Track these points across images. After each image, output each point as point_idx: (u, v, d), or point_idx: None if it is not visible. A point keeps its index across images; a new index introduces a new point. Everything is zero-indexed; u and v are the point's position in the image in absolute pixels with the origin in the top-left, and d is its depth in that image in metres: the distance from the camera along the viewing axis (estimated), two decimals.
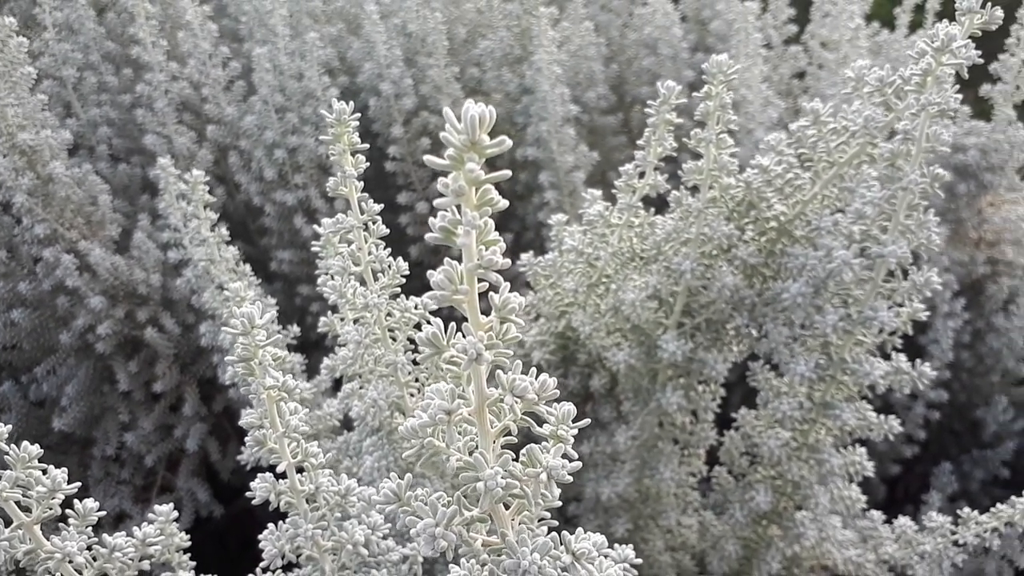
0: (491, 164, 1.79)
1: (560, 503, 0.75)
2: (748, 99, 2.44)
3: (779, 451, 1.49)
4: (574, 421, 0.71)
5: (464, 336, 0.63)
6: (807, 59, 2.89)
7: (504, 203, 0.58)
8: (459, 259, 0.60)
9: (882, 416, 1.48)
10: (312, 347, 2.60)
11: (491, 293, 0.63)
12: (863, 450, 1.55)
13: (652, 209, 1.53)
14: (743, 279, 1.44)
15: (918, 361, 1.40)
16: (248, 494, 0.98)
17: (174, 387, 2.41)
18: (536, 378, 0.67)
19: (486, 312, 0.64)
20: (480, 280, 0.61)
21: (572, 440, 0.72)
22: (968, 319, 2.67)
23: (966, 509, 1.54)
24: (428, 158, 0.55)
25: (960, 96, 1.20)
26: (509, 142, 0.55)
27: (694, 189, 1.40)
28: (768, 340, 1.44)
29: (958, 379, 2.75)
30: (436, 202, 0.56)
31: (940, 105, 1.12)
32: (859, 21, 2.66)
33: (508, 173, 0.57)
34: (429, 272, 0.59)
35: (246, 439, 0.94)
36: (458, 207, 0.57)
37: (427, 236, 0.59)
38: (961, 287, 2.67)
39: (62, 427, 2.26)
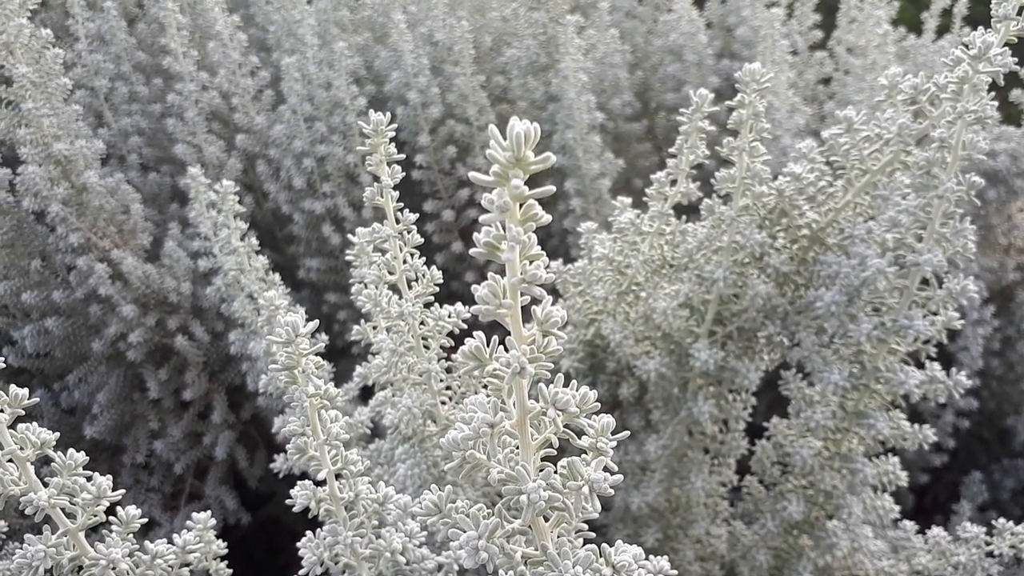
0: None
1: (597, 513, 0.75)
2: (775, 106, 2.43)
3: (812, 460, 1.48)
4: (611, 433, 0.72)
5: (506, 349, 0.64)
6: (833, 65, 2.87)
7: (547, 218, 0.58)
8: (502, 272, 0.61)
9: (915, 425, 1.47)
10: (339, 355, 2.62)
11: (533, 307, 0.63)
12: (896, 459, 1.54)
13: (684, 217, 1.53)
14: (775, 287, 1.44)
15: (953, 370, 1.39)
16: (288, 501, 0.99)
17: (203, 395, 2.43)
18: (577, 390, 0.68)
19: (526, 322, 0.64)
20: (522, 294, 0.62)
21: (612, 452, 0.72)
22: (998, 326, 2.64)
23: (1001, 520, 1.53)
24: (474, 175, 0.56)
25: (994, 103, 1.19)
26: (553, 158, 0.55)
27: (726, 197, 1.39)
28: (800, 349, 1.44)
29: (988, 387, 2.72)
30: (482, 218, 0.56)
31: (977, 113, 1.11)
32: (887, 27, 2.64)
33: (552, 189, 0.57)
34: (473, 287, 0.59)
35: (287, 447, 0.95)
36: (502, 223, 0.58)
37: (472, 251, 0.59)
38: (991, 294, 2.64)
39: (93, 434, 2.29)
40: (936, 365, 1.40)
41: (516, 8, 2.58)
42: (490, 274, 0.61)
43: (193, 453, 2.43)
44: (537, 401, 0.67)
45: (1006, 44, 1.13)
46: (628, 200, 1.57)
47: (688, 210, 1.60)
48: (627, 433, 0.75)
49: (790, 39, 2.86)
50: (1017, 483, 2.67)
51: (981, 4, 1.61)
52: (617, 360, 1.72)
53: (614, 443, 0.72)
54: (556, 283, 1.67)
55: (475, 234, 0.58)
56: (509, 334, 0.64)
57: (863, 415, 1.41)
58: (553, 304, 1.68)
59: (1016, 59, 1.13)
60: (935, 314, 1.35)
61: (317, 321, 0.86)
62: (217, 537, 1.17)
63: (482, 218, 0.57)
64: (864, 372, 1.38)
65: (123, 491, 0.95)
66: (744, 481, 1.72)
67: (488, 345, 0.65)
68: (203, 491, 2.46)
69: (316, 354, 1.74)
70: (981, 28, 1.12)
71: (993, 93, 1.17)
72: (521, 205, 0.57)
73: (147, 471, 2.45)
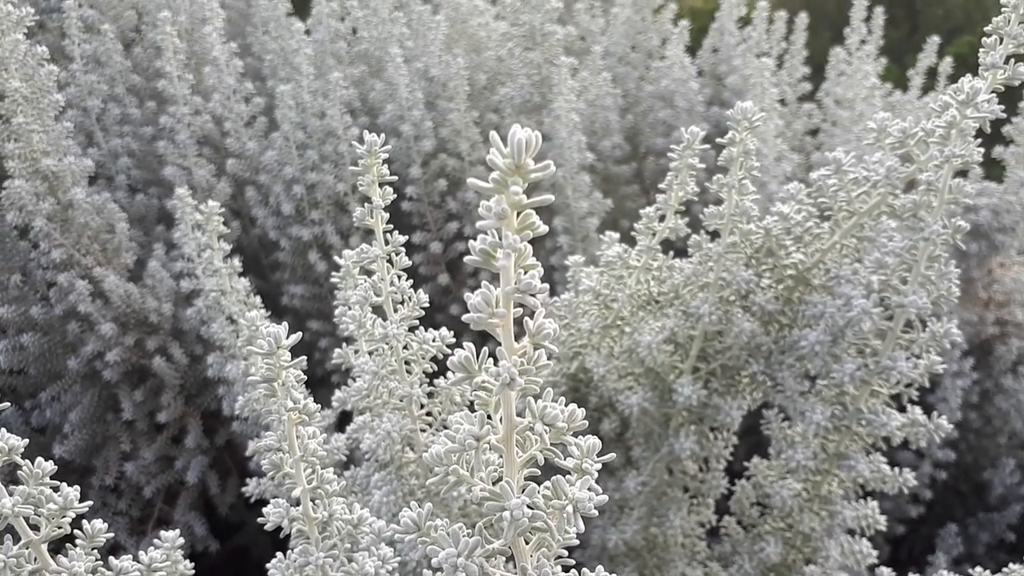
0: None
1: (577, 540, 0.74)
2: (763, 152, 2.47)
3: (791, 501, 1.47)
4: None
5: (496, 361, 0.63)
6: (821, 116, 2.93)
7: (544, 228, 0.58)
8: (496, 283, 0.61)
9: (895, 469, 1.47)
10: (318, 383, 2.60)
11: (525, 319, 0.63)
12: (875, 503, 1.53)
13: (671, 253, 1.53)
14: (760, 326, 1.44)
15: (934, 414, 1.39)
16: (260, 520, 0.97)
17: (178, 418, 2.40)
18: (565, 407, 0.67)
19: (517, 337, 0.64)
20: (516, 304, 0.61)
21: (596, 474, 0.71)
22: (976, 379, 2.66)
23: (978, 568, 1.52)
24: (472, 181, 0.55)
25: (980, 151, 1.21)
26: (553, 167, 0.55)
27: (714, 234, 1.40)
28: (783, 388, 1.43)
29: (965, 440, 2.73)
30: (478, 224, 0.56)
31: (964, 157, 1.13)
32: (874, 80, 2.70)
33: (551, 198, 0.57)
34: (467, 295, 0.59)
35: (263, 463, 0.93)
36: (498, 231, 0.58)
37: (467, 259, 0.59)
38: (970, 347, 2.66)
39: (63, 454, 2.25)
40: (918, 409, 1.41)
41: (512, 48, 2.62)
42: (483, 283, 0.61)
43: (164, 477, 2.39)
44: (524, 417, 0.66)
45: (993, 91, 1.15)
46: (616, 235, 1.57)
47: (675, 247, 1.61)
48: (613, 456, 0.74)
49: (779, 89, 2.92)
50: (992, 537, 2.66)
51: (965, 67, 1.65)
52: (600, 395, 1.71)
53: (599, 465, 0.71)
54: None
55: (465, 267, 0.58)
56: (499, 344, 0.63)
57: (844, 456, 1.40)
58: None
59: (1002, 108, 1.16)
60: (918, 357, 1.36)
61: (300, 334, 0.85)
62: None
63: (479, 224, 0.56)
64: (846, 413, 1.38)
65: (90, 503, 0.93)
66: (723, 521, 1.70)
67: (478, 357, 0.65)
68: (172, 516, 2.41)
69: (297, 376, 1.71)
70: (969, 76, 1.15)
71: (980, 145, 1.20)
72: (518, 214, 0.57)
73: (116, 494, 2.40)
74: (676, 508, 1.62)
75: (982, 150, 1.18)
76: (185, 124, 2.48)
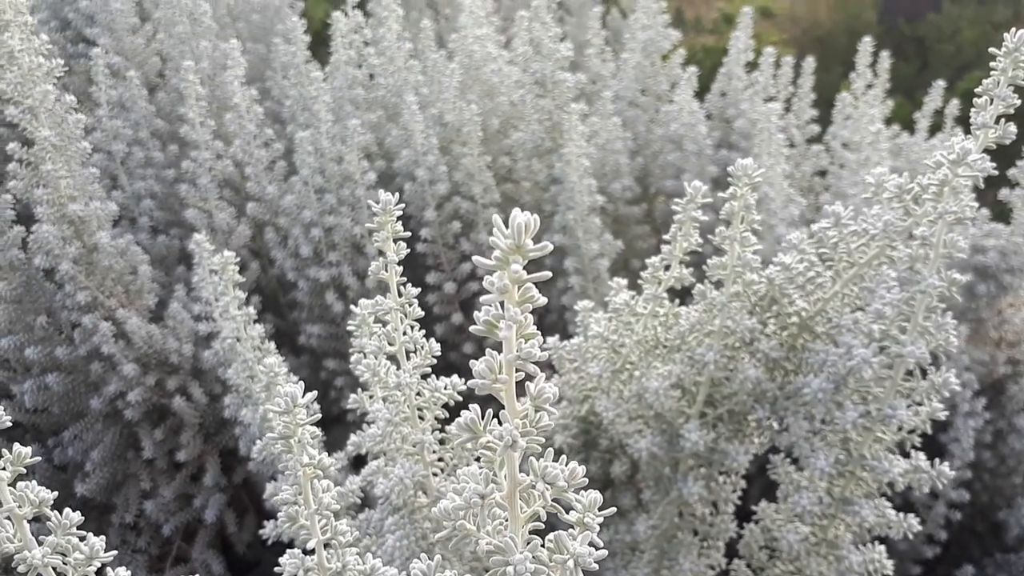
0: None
1: None
2: (770, 196, 2.51)
3: (798, 546, 1.49)
4: (599, 509, 0.74)
5: (500, 422, 0.67)
6: (829, 159, 2.97)
7: (543, 300, 0.63)
8: (499, 350, 0.65)
9: (902, 514, 1.49)
10: (333, 421, 2.64)
11: (527, 382, 0.67)
12: (882, 548, 1.55)
13: (676, 300, 1.57)
14: (765, 372, 1.47)
15: (936, 460, 1.41)
16: (277, 569, 1.01)
17: (196, 456, 2.44)
18: (566, 465, 0.71)
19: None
20: (517, 370, 0.65)
21: (598, 528, 0.75)
22: (989, 419, 2.66)
23: None
24: (477, 259, 0.60)
25: (977, 204, 1.25)
26: (550, 247, 0.60)
27: (718, 283, 1.44)
28: (789, 434, 1.46)
29: (980, 480, 2.73)
30: (482, 299, 0.61)
31: (956, 213, 1.16)
32: (879, 125, 2.74)
33: (548, 274, 0.61)
34: (472, 362, 0.63)
35: (278, 513, 0.97)
36: (501, 303, 0.62)
37: (472, 328, 0.63)
38: (982, 387, 2.67)
39: (84, 492, 2.29)
40: (921, 455, 1.43)
41: (523, 94, 2.68)
42: (488, 350, 0.65)
43: (183, 515, 2.42)
44: (528, 475, 0.70)
45: (986, 150, 1.19)
46: (624, 281, 1.61)
47: (683, 294, 1.65)
48: (614, 509, 0.77)
49: (787, 132, 2.96)
50: None
51: (972, 106, 1.69)
52: (610, 438, 1.74)
53: (600, 519, 0.75)
54: (552, 359, 1.71)
55: (476, 313, 0.62)
56: (503, 406, 0.67)
57: (849, 502, 1.43)
58: (548, 379, 1.71)
59: (1001, 157, 1.19)
60: (920, 404, 1.38)
61: (315, 392, 0.89)
62: None
63: (483, 299, 0.61)
64: (850, 459, 1.41)
65: (115, 552, 0.97)
66: (732, 565, 1.72)
67: (483, 418, 0.69)
68: (190, 554, 2.45)
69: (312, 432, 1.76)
70: (962, 134, 1.19)
71: (977, 191, 1.23)
72: (519, 288, 0.62)
73: (135, 531, 2.44)
74: (686, 551, 1.65)
75: (980, 203, 1.22)
76: (206, 168, 2.55)
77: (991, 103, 1.17)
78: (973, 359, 2.69)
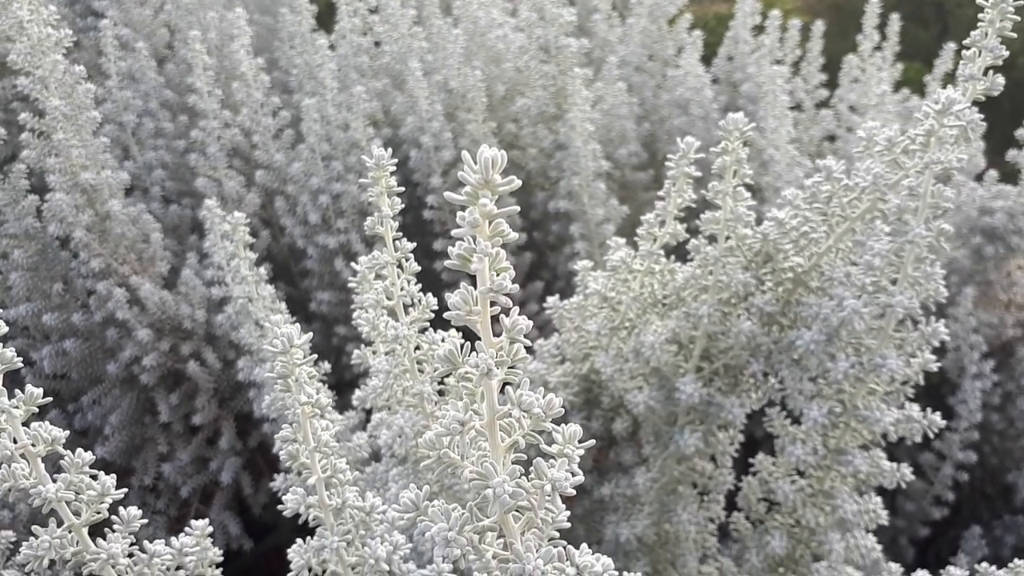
0: (524, 215, 1.90)
1: (568, 524, 0.80)
2: (776, 159, 2.51)
3: (794, 496, 1.52)
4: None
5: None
6: (836, 122, 2.96)
7: (515, 236, 0.65)
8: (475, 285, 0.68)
9: (893, 464, 1.51)
10: (346, 386, 2.68)
11: (502, 316, 0.70)
12: (879, 499, 1.57)
13: (672, 257, 1.59)
14: (761, 326, 1.50)
15: (928, 410, 1.43)
16: (279, 507, 1.05)
17: (212, 420, 2.50)
18: (543, 396, 0.74)
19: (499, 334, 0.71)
20: (492, 304, 0.68)
21: (578, 458, 0.78)
22: (998, 381, 2.67)
23: (983, 564, 1.55)
24: (448, 194, 0.63)
25: (972, 156, 1.26)
26: (518, 182, 0.62)
27: (712, 238, 1.46)
28: (784, 386, 1.49)
29: (988, 442, 2.74)
30: (454, 232, 0.64)
31: (943, 164, 1.18)
32: (885, 87, 2.73)
33: (517, 208, 0.64)
34: (447, 295, 0.66)
35: (280, 453, 1.01)
36: (473, 237, 0.65)
37: (446, 263, 0.66)
38: (991, 349, 2.68)
39: (104, 455, 2.36)
40: (915, 406, 1.45)
41: (528, 60, 2.69)
42: (463, 284, 0.68)
43: (200, 478, 2.48)
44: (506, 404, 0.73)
45: (998, 110, 1.20)
46: (623, 240, 1.64)
47: (685, 254, 1.67)
48: (593, 442, 0.80)
49: (796, 96, 2.96)
50: (1018, 539, 2.67)
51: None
52: (611, 395, 1.77)
53: (581, 450, 0.78)
54: (553, 318, 1.74)
55: (449, 247, 0.65)
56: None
57: (842, 452, 1.45)
58: (550, 338, 1.73)
59: (1012, 119, 1.20)
60: (913, 356, 1.40)
61: (311, 334, 0.93)
62: (219, 564, 1.23)
63: (454, 232, 0.64)
64: (845, 410, 1.43)
65: (125, 490, 1.02)
66: (732, 517, 1.75)
67: (461, 351, 0.72)
68: (207, 515, 2.51)
69: (321, 382, 1.80)
70: (950, 86, 1.20)
71: (985, 150, 1.24)
72: (490, 222, 0.65)
73: (154, 494, 2.51)
74: (684, 503, 1.68)
75: (964, 157, 1.23)
76: (215, 137, 2.59)
77: (979, 55, 1.17)
78: (982, 321, 2.69)
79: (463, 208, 0.64)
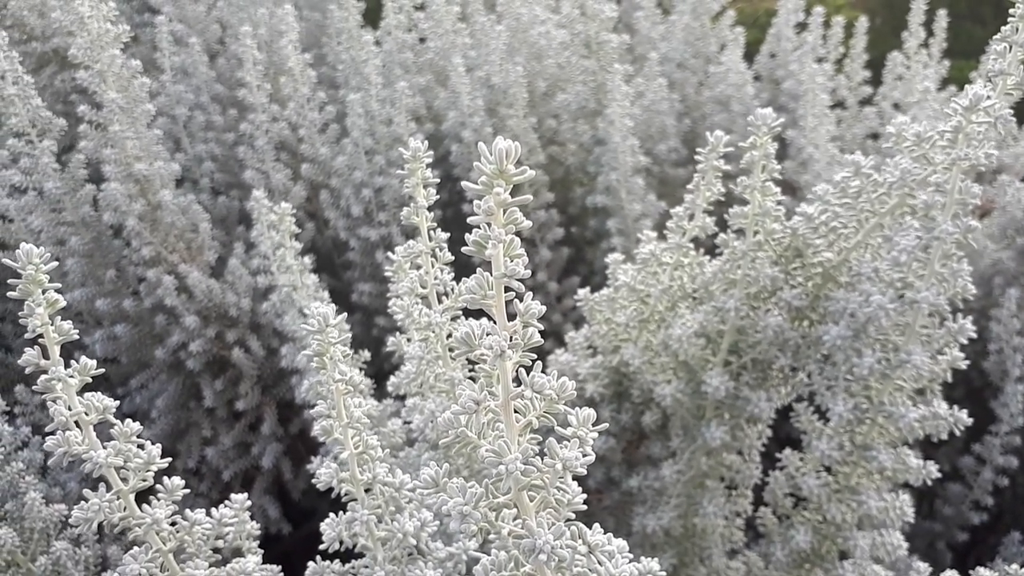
0: (563, 210, 1.93)
1: (584, 506, 0.83)
2: (815, 157, 2.50)
3: (819, 491, 1.53)
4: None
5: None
6: (879, 120, 2.94)
7: (527, 223, 0.69)
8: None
9: (920, 461, 1.51)
10: (385, 376, 2.74)
11: (516, 301, 0.73)
12: (906, 496, 1.57)
13: (702, 250, 1.61)
14: (788, 321, 1.51)
15: (955, 407, 1.43)
16: (313, 480, 1.10)
17: (255, 407, 2.57)
18: (557, 380, 0.77)
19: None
20: (507, 289, 0.72)
21: (591, 441, 0.81)
22: None
23: (1014, 566, 1.54)
24: (466, 184, 0.66)
25: (1019, 156, 1.26)
26: (531, 172, 0.66)
27: (740, 233, 1.48)
28: (811, 382, 1.50)
29: None
30: (470, 219, 0.67)
31: (971, 160, 1.18)
32: (928, 84, 2.70)
33: (529, 198, 0.68)
34: (463, 280, 0.70)
35: (315, 428, 1.06)
36: (488, 225, 0.69)
37: (463, 249, 0.70)
38: None
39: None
40: (943, 403, 1.45)
41: (569, 56, 2.72)
42: (479, 270, 0.71)
43: (241, 462, 2.56)
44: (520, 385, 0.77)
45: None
46: (654, 233, 1.66)
47: (714, 245, 1.69)
48: (605, 425, 0.84)
49: (839, 94, 2.94)
50: None
51: None
52: (640, 388, 1.80)
53: (594, 434, 0.81)
54: (584, 310, 1.77)
55: (466, 234, 0.69)
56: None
57: (868, 447, 1.46)
58: (579, 330, 1.76)
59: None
60: (941, 353, 1.40)
61: (346, 314, 0.97)
62: (260, 547, 1.29)
63: (470, 219, 0.68)
64: (871, 406, 1.44)
65: (169, 459, 1.08)
66: (759, 511, 1.77)
67: (477, 333, 0.75)
68: (248, 498, 2.59)
69: (360, 369, 1.85)
70: (981, 82, 1.20)
71: None
72: (504, 211, 0.68)
73: (197, 477, 2.60)
74: (711, 497, 1.70)
75: (995, 153, 1.23)
76: (263, 131, 2.66)
77: (1010, 50, 1.17)
78: None
79: (479, 197, 0.68)
